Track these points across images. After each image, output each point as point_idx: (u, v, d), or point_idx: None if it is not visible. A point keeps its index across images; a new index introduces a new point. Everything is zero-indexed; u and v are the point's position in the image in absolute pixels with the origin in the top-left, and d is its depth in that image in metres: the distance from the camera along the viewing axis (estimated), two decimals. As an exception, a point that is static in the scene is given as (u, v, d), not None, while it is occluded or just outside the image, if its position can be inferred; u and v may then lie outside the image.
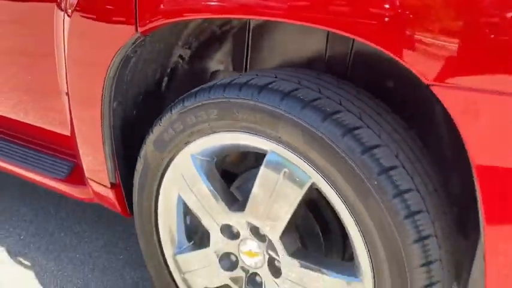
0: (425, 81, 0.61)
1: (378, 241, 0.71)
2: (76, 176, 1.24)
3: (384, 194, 0.68)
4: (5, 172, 1.43)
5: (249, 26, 1.02)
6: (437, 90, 0.60)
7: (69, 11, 0.99)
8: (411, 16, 0.60)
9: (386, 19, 0.61)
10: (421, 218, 0.69)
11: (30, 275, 1.35)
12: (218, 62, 1.12)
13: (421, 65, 0.61)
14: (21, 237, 1.51)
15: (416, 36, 0.60)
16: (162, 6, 0.82)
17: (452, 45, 0.58)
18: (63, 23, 1.02)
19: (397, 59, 0.62)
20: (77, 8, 0.96)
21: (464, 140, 0.61)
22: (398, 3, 0.60)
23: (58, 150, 1.36)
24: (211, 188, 0.90)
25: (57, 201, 1.67)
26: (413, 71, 0.61)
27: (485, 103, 0.59)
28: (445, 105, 0.61)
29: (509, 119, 0.58)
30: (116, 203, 1.13)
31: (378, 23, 0.62)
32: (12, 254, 1.44)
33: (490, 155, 0.61)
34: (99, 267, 1.38)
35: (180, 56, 1.08)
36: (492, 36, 0.56)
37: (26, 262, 1.41)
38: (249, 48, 1.06)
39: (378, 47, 0.63)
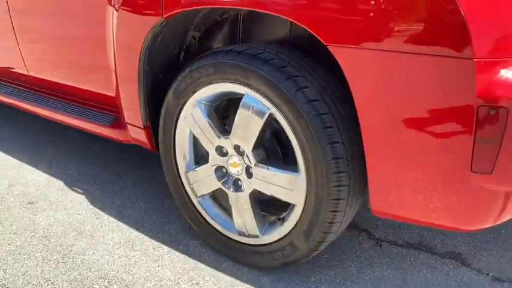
0: (324, 42, 1.05)
1: (307, 147, 1.16)
2: (117, 124, 1.72)
3: (309, 115, 1.13)
4: (65, 124, 1.94)
5: (240, 15, 1.48)
6: (332, 49, 1.05)
7: (117, 6, 1.46)
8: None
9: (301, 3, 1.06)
10: (332, 131, 1.13)
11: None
12: (219, 41, 1.58)
13: (320, 31, 1.05)
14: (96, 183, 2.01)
15: (316, 12, 1.04)
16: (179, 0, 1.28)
17: (340, 16, 1.01)
18: (112, 15, 1.50)
19: (309, 30, 1.06)
20: (123, 4, 1.43)
21: (352, 90, 1.05)
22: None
23: (102, 108, 1.85)
24: (210, 122, 1.35)
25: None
26: (317, 36, 1.05)
27: (368, 60, 1.01)
28: (338, 61, 1.05)
29: (386, 72, 1.00)
30: (147, 140, 1.60)
31: (294, 6, 1.06)
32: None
33: (370, 105, 1.04)
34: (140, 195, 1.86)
35: (193, 37, 1.54)
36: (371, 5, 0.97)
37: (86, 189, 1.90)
38: (240, 31, 1.52)
39: (297, 22, 1.07)
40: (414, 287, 1.37)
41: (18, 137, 2.42)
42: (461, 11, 0.88)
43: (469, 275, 1.42)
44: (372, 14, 0.97)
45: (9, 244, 1.55)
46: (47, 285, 1.36)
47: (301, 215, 1.24)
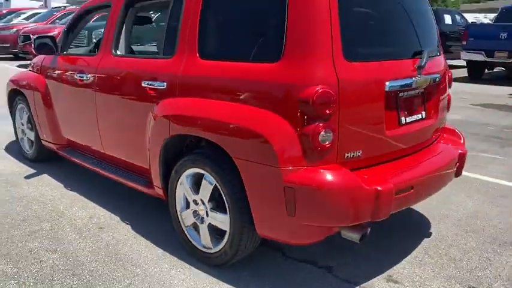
0: (230, 155, 2.34)
1: (229, 202, 2.42)
2: (149, 184, 3.06)
3: (228, 187, 2.40)
4: (121, 183, 3.32)
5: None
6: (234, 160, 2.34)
7: (152, 117, 2.82)
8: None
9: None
10: (237, 194, 2.39)
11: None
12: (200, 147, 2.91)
13: (227, 148, 2.35)
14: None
15: (226, 137, 2.35)
16: (176, 129, 2.63)
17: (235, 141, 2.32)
18: (150, 122, 2.86)
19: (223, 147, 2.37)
20: (154, 118, 2.79)
21: (242, 175, 2.33)
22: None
23: (142, 174, 3.20)
24: (190, 187, 2.66)
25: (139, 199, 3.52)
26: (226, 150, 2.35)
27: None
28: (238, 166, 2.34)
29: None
30: (163, 194, 2.93)
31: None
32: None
33: (250, 177, 2.32)
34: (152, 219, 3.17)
35: (189, 141, 2.89)
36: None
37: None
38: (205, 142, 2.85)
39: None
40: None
41: (100, 186, 3.85)
42: (270, 142, 2.14)
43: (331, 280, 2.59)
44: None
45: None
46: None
47: (228, 236, 2.49)
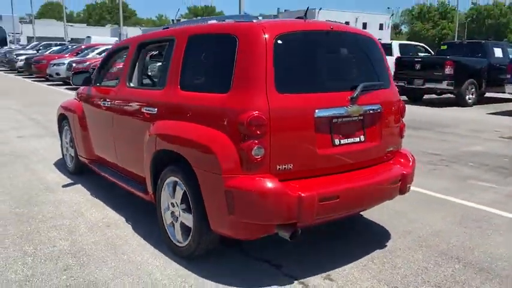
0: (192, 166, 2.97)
1: (194, 204, 3.03)
2: (146, 191, 3.74)
3: (192, 193, 3.01)
4: (125, 189, 4.04)
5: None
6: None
7: (148, 134, 3.52)
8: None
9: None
10: (197, 197, 2.99)
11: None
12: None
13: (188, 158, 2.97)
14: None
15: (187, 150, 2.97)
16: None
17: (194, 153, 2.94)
18: (145, 137, 3.55)
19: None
20: (148, 135, 3.49)
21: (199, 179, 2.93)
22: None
23: (139, 182, 3.89)
24: (169, 192, 3.30)
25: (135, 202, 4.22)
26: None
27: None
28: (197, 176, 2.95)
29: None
30: (154, 199, 3.59)
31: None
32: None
33: (205, 183, 2.92)
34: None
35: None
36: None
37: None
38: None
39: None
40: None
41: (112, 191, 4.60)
42: (216, 155, 2.74)
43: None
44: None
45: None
46: (102, 254, 3.36)
47: (192, 232, 3.08)
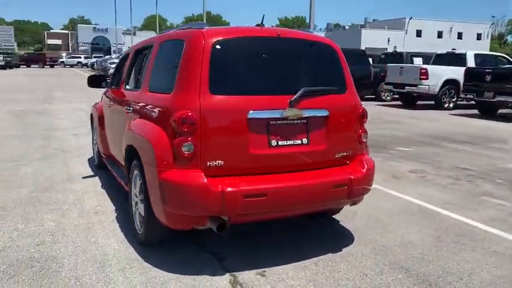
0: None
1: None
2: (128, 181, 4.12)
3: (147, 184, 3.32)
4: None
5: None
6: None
7: (125, 130, 3.90)
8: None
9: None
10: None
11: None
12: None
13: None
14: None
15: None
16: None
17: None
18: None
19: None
20: (125, 131, 3.86)
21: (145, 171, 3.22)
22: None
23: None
24: (134, 183, 3.63)
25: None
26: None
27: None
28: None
29: None
30: (128, 189, 3.94)
31: None
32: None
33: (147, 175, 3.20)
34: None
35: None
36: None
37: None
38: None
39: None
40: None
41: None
42: (154, 149, 3.01)
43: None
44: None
45: (79, 223, 4.04)
46: (78, 235, 3.78)
47: (144, 220, 3.37)
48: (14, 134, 8.49)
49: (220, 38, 3.11)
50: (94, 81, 5.30)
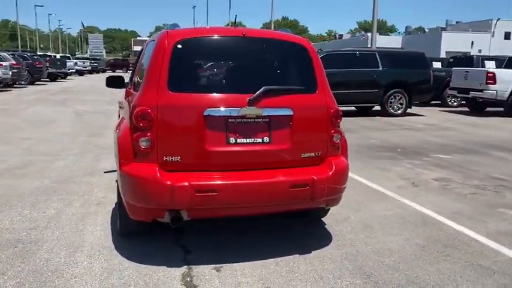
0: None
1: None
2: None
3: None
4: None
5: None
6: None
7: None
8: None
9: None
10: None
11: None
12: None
13: None
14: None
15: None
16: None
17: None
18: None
19: None
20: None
21: None
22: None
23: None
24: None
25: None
26: None
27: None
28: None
29: None
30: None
31: None
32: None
33: None
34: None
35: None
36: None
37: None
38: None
39: None
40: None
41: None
42: (118, 143, 3.20)
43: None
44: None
45: (79, 212, 4.36)
46: (71, 223, 4.08)
47: (119, 211, 3.56)
48: (68, 131, 9.24)
49: (181, 38, 3.22)
50: (112, 82, 5.64)
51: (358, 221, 4.23)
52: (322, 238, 3.79)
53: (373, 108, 13.86)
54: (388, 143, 8.63)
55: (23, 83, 23.71)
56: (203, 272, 3.15)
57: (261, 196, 3.17)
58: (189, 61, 3.27)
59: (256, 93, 3.15)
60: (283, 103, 3.27)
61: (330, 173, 3.33)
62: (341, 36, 65.32)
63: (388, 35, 67.22)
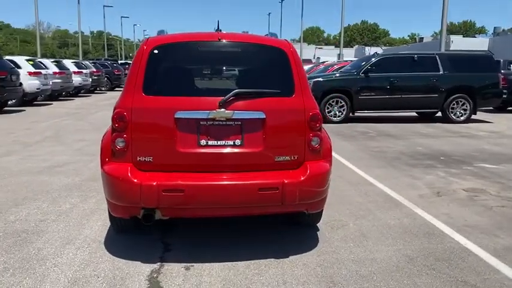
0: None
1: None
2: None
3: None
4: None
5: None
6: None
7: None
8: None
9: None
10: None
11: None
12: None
13: None
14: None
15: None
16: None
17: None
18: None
19: None
20: None
21: None
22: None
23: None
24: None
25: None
26: None
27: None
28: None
29: None
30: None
31: None
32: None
33: None
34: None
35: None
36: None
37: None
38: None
39: None
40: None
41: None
42: (101, 143, 3.41)
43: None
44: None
45: (91, 208, 4.67)
46: (79, 217, 4.39)
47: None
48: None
49: (158, 44, 3.37)
50: None
51: (356, 229, 4.10)
52: (307, 244, 3.73)
53: (436, 115, 13.15)
54: (433, 151, 8.17)
55: (103, 89, 25.60)
56: (172, 269, 3.25)
57: (228, 198, 3.21)
58: (164, 66, 3.40)
59: (227, 96, 3.20)
60: (256, 106, 3.28)
61: (303, 177, 3.27)
62: (421, 39, 62.44)
63: (474, 37, 63.13)
